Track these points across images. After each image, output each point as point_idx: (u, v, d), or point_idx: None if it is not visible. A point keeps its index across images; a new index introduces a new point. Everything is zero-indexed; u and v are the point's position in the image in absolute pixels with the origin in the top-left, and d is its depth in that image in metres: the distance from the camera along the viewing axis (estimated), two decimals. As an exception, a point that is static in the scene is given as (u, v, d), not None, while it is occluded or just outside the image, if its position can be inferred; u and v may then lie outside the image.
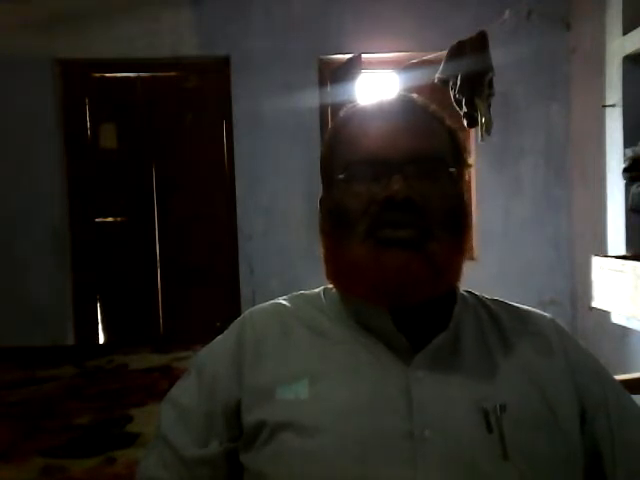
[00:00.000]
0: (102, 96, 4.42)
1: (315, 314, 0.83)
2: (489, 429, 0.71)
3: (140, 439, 2.62)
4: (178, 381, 0.86)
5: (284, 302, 0.87)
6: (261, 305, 0.88)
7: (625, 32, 3.24)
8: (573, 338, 0.85)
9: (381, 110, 0.81)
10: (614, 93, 3.36)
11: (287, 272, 4.15)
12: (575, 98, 4.12)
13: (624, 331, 3.31)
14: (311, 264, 4.57)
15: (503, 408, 0.72)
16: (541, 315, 0.87)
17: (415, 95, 0.85)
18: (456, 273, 0.79)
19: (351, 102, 0.89)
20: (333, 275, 0.81)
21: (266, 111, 4.21)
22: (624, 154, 3.18)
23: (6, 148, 4.19)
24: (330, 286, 0.86)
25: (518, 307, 0.87)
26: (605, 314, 3.13)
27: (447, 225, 0.75)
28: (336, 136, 0.84)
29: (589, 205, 3.92)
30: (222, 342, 0.86)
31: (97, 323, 4.50)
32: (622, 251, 3.30)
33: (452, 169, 0.78)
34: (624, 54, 3.24)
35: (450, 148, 0.80)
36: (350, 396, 0.73)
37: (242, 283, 4.30)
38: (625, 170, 3.11)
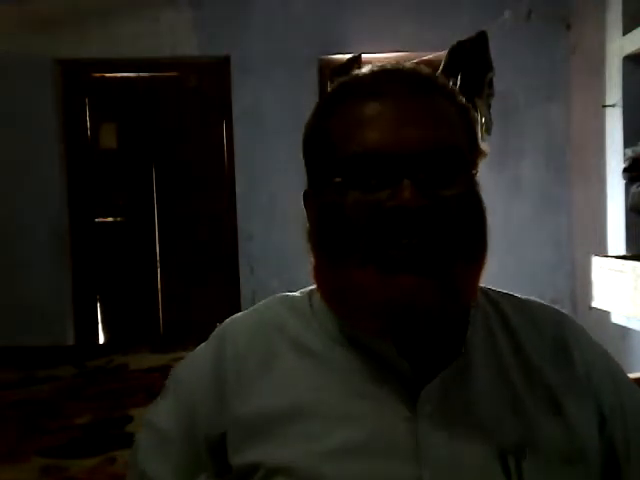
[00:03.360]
0: (102, 96, 4.42)
1: (302, 329, 0.70)
2: (507, 476, 0.61)
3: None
4: (157, 400, 0.74)
5: (267, 310, 0.74)
6: (241, 315, 0.76)
7: (625, 32, 3.24)
8: (586, 334, 0.75)
9: (381, 88, 0.64)
10: (614, 93, 3.36)
11: (287, 272, 4.15)
12: (575, 98, 4.12)
13: (624, 331, 3.31)
14: (311, 264, 4.56)
15: (523, 451, 0.62)
16: (554, 312, 0.76)
17: (416, 64, 0.69)
18: (475, 293, 0.66)
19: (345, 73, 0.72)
20: (325, 297, 0.68)
21: (266, 111, 4.21)
22: (624, 154, 3.18)
23: (6, 148, 4.19)
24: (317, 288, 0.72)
25: (530, 305, 0.75)
26: (605, 314, 3.13)
27: (469, 240, 0.62)
28: (327, 119, 0.67)
29: (589, 205, 3.92)
30: (200, 360, 0.72)
31: (97, 323, 4.49)
32: (622, 251, 3.30)
33: (472, 168, 0.65)
34: (624, 54, 3.24)
35: (465, 135, 0.65)
36: (348, 436, 0.62)
37: (242, 283, 4.30)
38: (625, 170, 3.11)
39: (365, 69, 0.68)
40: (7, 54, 4.12)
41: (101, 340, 4.51)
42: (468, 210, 0.62)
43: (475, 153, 0.66)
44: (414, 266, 0.59)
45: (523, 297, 0.77)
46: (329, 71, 4.26)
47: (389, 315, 0.60)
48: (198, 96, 4.42)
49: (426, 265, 0.59)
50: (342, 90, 0.68)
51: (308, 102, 4.80)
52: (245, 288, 4.28)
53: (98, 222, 4.46)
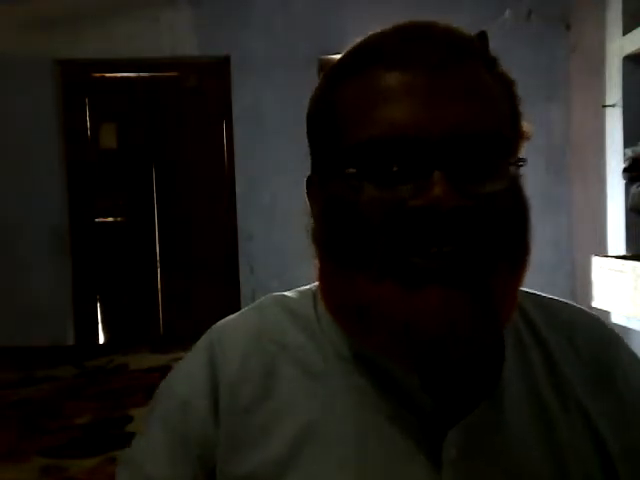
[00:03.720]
0: (102, 96, 4.42)
1: (305, 342, 0.57)
2: None
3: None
4: (139, 434, 0.59)
5: (262, 317, 0.61)
6: (233, 322, 0.63)
7: (625, 32, 3.24)
8: (634, 355, 0.63)
9: (407, 53, 0.50)
10: (614, 93, 3.36)
11: (287, 272, 4.15)
12: (575, 98, 4.12)
13: (624, 331, 3.31)
14: (311, 264, 4.57)
15: None
16: (594, 324, 0.63)
17: (449, 24, 0.54)
18: (513, 309, 0.53)
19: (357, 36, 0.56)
20: (332, 309, 0.56)
21: (266, 111, 4.21)
22: (624, 154, 3.18)
23: (6, 148, 4.19)
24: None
25: (565, 314, 0.62)
26: (605, 314, 3.13)
27: (510, 246, 0.50)
28: (337, 92, 0.53)
29: (589, 205, 3.92)
30: (187, 383, 0.58)
31: (97, 323, 4.49)
32: (622, 251, 3.30)
33: (515, 156, 0.52)
34: (624, 54, 3.24)
35: (509, 115, 0.52)
36: None
37: (242, 283, 4.30)
38: (625, 170, 3.11)
39: (385, 27, 0.54)
40: (7, 54, 4.12)
41: (101, 340, 4.51)
42: (510, 210, 0.50)
43: (518, 136, 0.53)
44: (444, 278, 0.46)
45: (553, 299, 0.64)
46: (329, 71, 4.26)
47: (412, 339, 0.47)
48: (198, 96, 4.42)
49: (459, 277, 0.47)
50: (356, 56, 0.54)
51: (308, 102, 4.83)
52: (245, 288, 4.28)
53: (98, 222, 4.46)
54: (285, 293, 0.65)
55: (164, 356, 3.90)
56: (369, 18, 4.11)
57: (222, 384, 0.56)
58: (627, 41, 3.22)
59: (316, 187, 0.57)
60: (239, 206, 4.30)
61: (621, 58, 3.27)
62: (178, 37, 4.21)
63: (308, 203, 0.60)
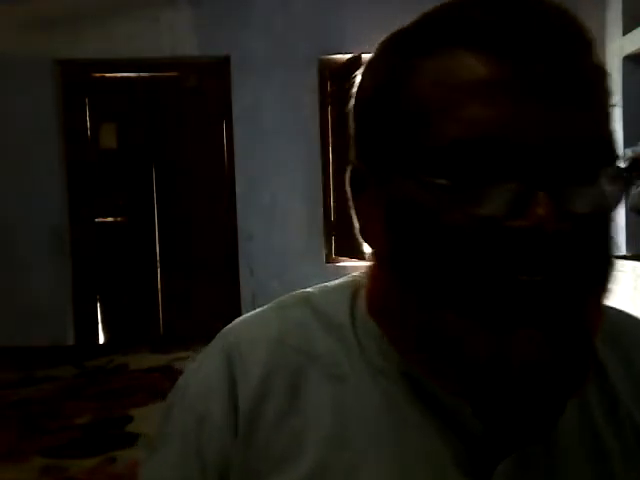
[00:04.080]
0: (102, 96, 4.42)
1: (335, 351, 0.50)
2: None
3: (140, 439, 2.62)
4: (152, 450, 0.54)
5: (285, 319, 0.53)
6: (251, 325, 0.54)
7: (625, 32, 3.25)
8: None
9: (503, 33, 0.39)
10: (614, 93, 3.36)
11: (287, 272, 4.15)
12: (575, 98, 4.12)
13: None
14: (311, 264, 4.60)
15: None
16: None
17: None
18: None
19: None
20: (392, 335, 0.48)
21: (266, 111, 4.21)
22: (624, 154, 3.18)
23: (6, 148, 4.19)
24: (362, 297, 0.52)
25: (620, 327, 0.55)
26: (605, 314, 3.13)
27: (601, 272, 0.43)
28: (410, 74, 0.43)
29: (589, 205, 3.92)
30: (204, 397, 0.51)
31: (97, 323, 4.50)
32: (622, 251, 3.30)
33: (622, 165, 0.44)
34: (624, 54, 3.25)
35: (610, 117, 0.44)
36: None
37: (242, 283, 4.30)
38: (625, 170, 3.11)
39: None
40: (7, 54, 4.12)
41: (101, 340, 4.51)
42: (606, 232, 0.42)
43: (616, 144, 0.44)
44: (538, 317, 0.39)
45: (613, 312, 0.55)
46: (329, 71, 4.26)
47: (490, 381, 0.40)
48: (198, 96, 4.42)
49: (555, 315, 0.39)
50: (434, 29, 0.42)
51: (308, 102, 4.81)
52: (245, 288, 4.28)
53: (98, 222, 4.47)
54: (311, 290, 0.55)
55: (164, 356, 3.91)
56: (369, 18, 4.12)
57: (241, 398, 0.49)
58: (627, 41, 3.22)
59: (372, 186, 0.47)
60: (239, 206, 4.30)
61: (621, 58, 3.27)
62: (178, 37, 4.21)
63: (352, 198, 0.50)
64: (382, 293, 0.48)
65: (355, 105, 0.48)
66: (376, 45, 0.47)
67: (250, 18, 4.22)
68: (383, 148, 0.45)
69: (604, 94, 0.43)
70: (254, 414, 0.49)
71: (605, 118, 0.42)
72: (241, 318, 0.56)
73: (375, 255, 0.48)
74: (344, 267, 4.11)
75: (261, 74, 4.21)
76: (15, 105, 4.18)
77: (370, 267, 0.50)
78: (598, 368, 0.51)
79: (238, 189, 4.30)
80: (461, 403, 0.45)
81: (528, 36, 0.39)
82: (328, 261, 4.28)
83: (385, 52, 0.46)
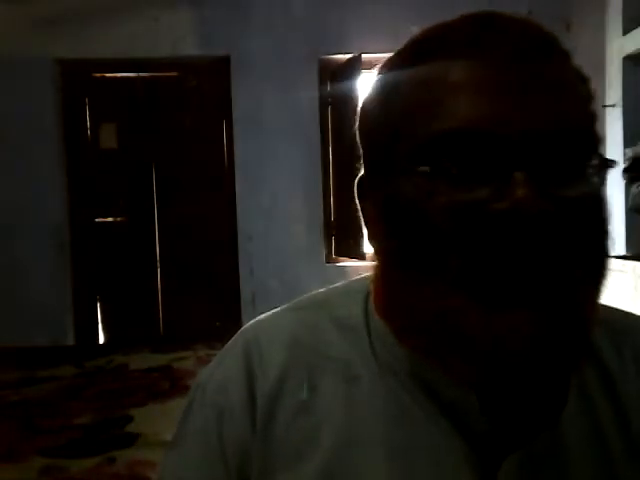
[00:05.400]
0: (102, 96, 4.43)
1: (349, 351, 0.53)
2: None
3: (140, 439, 2.62)
4: (170, 449, 0.57)
5: (301, 320, 0.56)
6: (268, 325, 0.57)
7: (625, 32, 3.25)
8: None
9: (483, 42, 0.45)
10: (614, 93, 3.36)
11: (287, 272, 4.15)
12: (575, 98, 4.12)
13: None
14: (311, 264, 4.60)
15: None
16: None
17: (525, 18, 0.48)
18: (592, 328, 0.47)
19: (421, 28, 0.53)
20: (390, 320, 0.50)
21: (266, 111, 4.21)
22: (624, 154, 3.18)
23: (6, 148, 4.19)
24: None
25: (628, 331, 0.56)
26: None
27: (594, 257, 0.45)
28: (403, 83, 0.48)
29: (589, 205, 3.92)
30: (224, 392, 0.54)
31: (97, 323, 4.50)
32: (622, 251, 3.30)
33: (606, 157, 0.46)
34: (624, 54, 3.25)
35: (591, 114, 0.47)
36: None
37: (242, 283, 4.30)
38: (625, 170, 3.11)
39: (454, 18, 0.49)
40: (7, 54, 4.12)
41: (101, 340, 4.51)
42: (594, 214, 0.44)
43: (597, 138, 0.47)
44: (530, 297, 0.41)
45: (618, 314, 0.57)
46: (329, 71, 4.26)
47: (490, 363, 0.42)
48: (198, 96, 4.42)
49: (547, 295, 0.41)
50: (425, 45, 0.48)
51: (308, 102, 4.80)
52: (245, 288, 4.28)
53: (98, 222, 4.47)
54: (327, 292, 0.59)
55: (164, 356, 3.91)
56: (369, 18, 4.12)
57: (259, 395, 0.52)
58: (627, 41, 3.22)
59: (372, 188, 0.51)
60: (239, 206, 4.30)
61: (621, 58, 3.27)
62: (178, 37, 4.21)
63: (360, 206, 0.53)
64: (387, 290, 0.49)
65: (358, 123, 0.53)
66: (377, 65, 0.52)
67: (250, 18, 4.22)
68: (380, 153, 0.49)
69: (580, 92, 0.47)
70: (271, 410, 0.51)
71: (581, 111, 0.46)
72: (259, 318, 0.59)
73: (378, 254, 0.50)
74: (344, 267, 4.12)
75: (261, 74, 4.21)
76: (15, 105, 4.18)
77: (375, 268, 0.51)
78: (603, 370, 0.52)
79: (238, 189, 4.30)
80: (468, 397, 0.47)
81: (505, 43, 0.44)
82: (328, 261, 4.28)
83: (382, 69, 0.51)
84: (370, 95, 0.52)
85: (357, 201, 0.54)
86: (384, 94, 0.49)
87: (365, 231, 0.53)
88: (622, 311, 0.58)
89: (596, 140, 0.46)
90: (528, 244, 0.40)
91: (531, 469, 0.48)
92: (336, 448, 0.49)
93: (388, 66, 0.51)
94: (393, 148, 0.47)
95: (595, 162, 0.45)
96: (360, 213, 0.54)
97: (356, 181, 0.54)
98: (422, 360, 0.48)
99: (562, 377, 0.46)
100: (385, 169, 0.48)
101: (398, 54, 0.51)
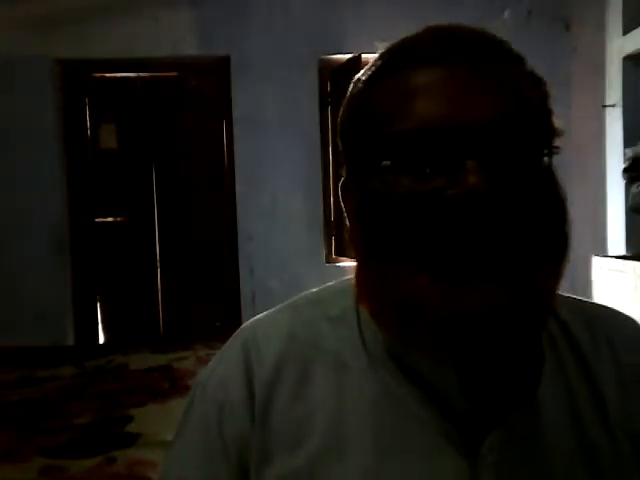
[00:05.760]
0: (102, 96, 4.43)
1: (341, 344, 0.57)
2: None
3: (140, 439, 2.62)
4: (171, 447, 0.60)
5: (297, 316, 0.60)
6: (266, 321, 0.62)
7: (625, 32, 3.25)
8: None
9: (438, 52, 0.51)
10: (614, 93, 3.36)
11: (287, 272, 4.15)
12: (575, 98, 4.12)
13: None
14: (311, 264, 4.60)
15: None
16: (634, 328, 0.62)
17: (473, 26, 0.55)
18: (553, 306, 0.53)
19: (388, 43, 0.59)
20: (370, 308, 0.53)
21: (266, 111, 4.21)
22: (624, 154, 3.19)
23: (6, 148, 4.19)
24: None
25: (602, 318, 0.61)
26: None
27: (549, 236, 0.49)
28: (371, 91, 0.54)
29: (589, 205, 3.92)
30: (223, 385, 0.58)
31: (97, 323, 4.50)
32: (622, 251, 3.30)
33: (548, 147, 0.51)
34: (624, 54, 3.25)
35: (539, 109, 0.53)
36: None
37: (242, 283, 4.30)
38: (625, 170, 3.11)
39: (415, 32, 0.56)
40: (7, 54, 4.12)
41: (101, 340, 4.52)
42: (546, 198, 0.49)
43: (550, 131, 0.53)
44: (484, 271, 0.45)
45: (588, 303, 0.63)
46: (329, 71, 4.26)
47: (452, 336, 0.46)
48: (198, 96, 4.42)
49: (500, 270, 0.45)
50: (389, 57, 0.55)
51: (308, 102, 4.80)
52: (245, 288, 4.28)
53: (98, 222, 4.47)
54: (320, 290, 0.63)
55: (164, 356, 3.91)
56: (369, 18, 4.12)
57: (257, 383, 0.56)
58: (627, 41, 3.22)
59: (352, 189, 0.56)
60: (239, 206, 4.30)
61: (621, 58, 3.27)
62: (178, 37, 4.21)
63: (344, 208, 0.58)
64: (361, 280, 0.54)
65: (339, 127, 0.58)
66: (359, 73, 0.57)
67: (250, 18, 4.22)
68: (356, 153, 0.54)
69: (535, 93, 0.53)
70: (268, 397, 0.55)
71: (534, 110, 0.51)
72: (257, 317, 0.63)
73: (355, 248, 0.54)
74: (344, 267, 4.12)
75: (261, 74, 4.21)
76: (15, 105, 4.18)
77: (355, 266, 0.55)
78: (578, 352, 0.57)
79: (238, 189, 4.30)
80: (447, 377, 0.51)
81: (457, 51, 0.50)
82: (328, 261, 4.28)
83: (356, 80, 0.57)
84: (346, 104, 0.57)
85: (342, 203, 0.58)
86: (358, 102, 0.55)
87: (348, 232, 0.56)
88: (593, 302, 0.64)
89: (549, 132, 0.52)
90: (478, 223, 0.45)
91: (512, 445, 0.52)
92: (328, 434, 0.53)
93: (361, 76, 0.57)
94: (364, 149, 0.52)
95: (542, 151, 0.50)
96: (345, 214, 0.58)
97: (340, 184, 0.59)
98: (401, 343, 0.52)
99: (524, 347, 0.49)
100: (358, 169, 0.54)
101: (370, 64, 0.57)
